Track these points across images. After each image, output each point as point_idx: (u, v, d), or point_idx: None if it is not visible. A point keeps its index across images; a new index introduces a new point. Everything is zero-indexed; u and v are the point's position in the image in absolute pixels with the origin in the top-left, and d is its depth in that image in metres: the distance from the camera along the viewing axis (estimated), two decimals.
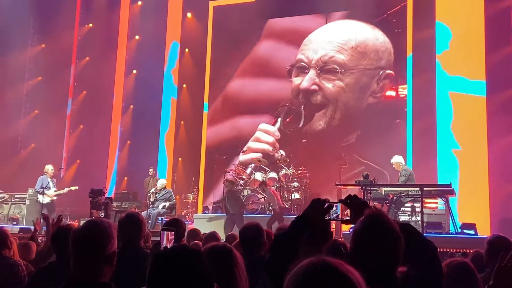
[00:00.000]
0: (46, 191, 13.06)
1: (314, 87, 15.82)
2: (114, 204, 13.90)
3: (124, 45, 18.56)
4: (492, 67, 13.64)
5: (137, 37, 18.36)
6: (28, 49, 18.23)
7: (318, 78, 15.81)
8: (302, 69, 16.13)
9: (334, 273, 1.27)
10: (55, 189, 13.29)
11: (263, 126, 16.13)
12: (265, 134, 15.77)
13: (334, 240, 3.40)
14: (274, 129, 15.90)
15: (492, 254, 3.89)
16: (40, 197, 13.16)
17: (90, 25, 18.71)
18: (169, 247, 2.51)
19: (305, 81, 15.94)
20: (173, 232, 2.60)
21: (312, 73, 15.91)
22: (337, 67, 15.66)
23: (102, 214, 11.42)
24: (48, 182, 13.21)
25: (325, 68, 15.82)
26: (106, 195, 12.19)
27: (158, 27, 17.68)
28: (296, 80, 16.15)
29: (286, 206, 13.05)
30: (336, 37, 15.94)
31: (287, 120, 15.94)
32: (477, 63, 13.86)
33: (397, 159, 11.69)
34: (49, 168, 13.44)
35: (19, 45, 17.56)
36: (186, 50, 17.98)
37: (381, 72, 15.42)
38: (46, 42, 18.20)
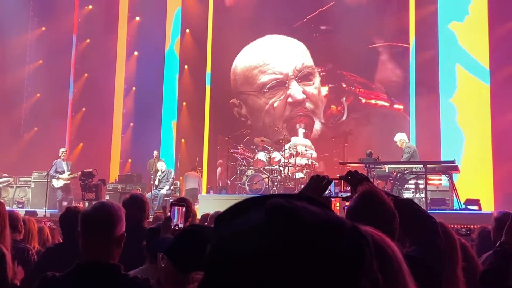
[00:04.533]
0: (60, 175, 13.05)
1: (303, 96, 16.19)
2: (119, 186, 13.98)
3: (124, 26, 18.44)
4: (495, 43, 13.52)
5: (137, 18, 18.23)
6: (28, 32, 18.14)
7: (302, 87, 16.22)
8: (281, 85, 16.33)
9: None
10: (69, 172, 13.24)
11: (300, 140, 15.75)
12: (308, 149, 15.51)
13: None
14: (308, 142, 15.66)
15: (500, 230, 3.89)
16: (54, 181, 13.14)
17: (90, 7, 18.57)
18: (180, 223, 2.51)
19: (297, 93, 16.20)
20: (183, 208, 2.59)
21: (295, 84, 16.22)
22: (315, 68, 16.18)
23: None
24: (62, 166, 13.19)
25: (301, 75, 16.24)
26: (98, 177, 12.23)
27: (158, 8, 17.54)
28: (276, 101, 16.34)
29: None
30: (289, 47, 16.49)
31: (327, 113, 16.00)
32: (481, 39, 13.75)
33: (400, 136, 11.64)
34: (61, 151, 13.47)
35: (19, 29, 17.47)
36: (187, 30, 17.86)
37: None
38: (46, 25, 18.09)
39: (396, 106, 15.34)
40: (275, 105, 16.46)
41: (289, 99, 16.25)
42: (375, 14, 15.28)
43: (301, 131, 16.04)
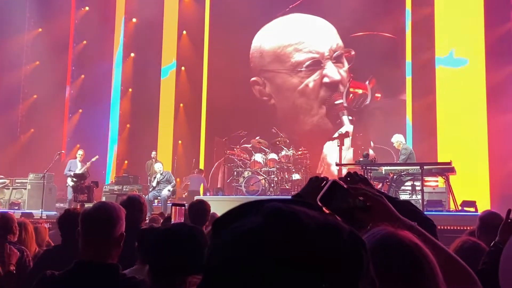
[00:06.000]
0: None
1: (339, 76, 15.96)
2: (115, 187, 13.97)
3: (121, 28, 18.43)
4: (491, 44, 13.57)
5: (134, 19, 18.22)
6: (25, 33, 18.09)
7: (336, 68, 16.03)
8: (317, 64, 16.13)
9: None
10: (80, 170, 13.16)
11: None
12: None
13: None
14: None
15: (483, 230, 3.90)
16: (68, 180, 13.06)
17: (87, 8, 18.56)
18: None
19: (334, 74, 15.95)
20: (183, 208, 2.61)
21: (330, 64, 15.99)
22: (350, 50, 15.88)
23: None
24: (77, 166, 13.14)
25: (335, 56, 16.01)
26: (94, 179, 12.22)
27: (154, 10, 17.51)
28: (311, 81, 16.15)
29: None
30: (322, 27, 16.22)
31: (350, 97, 15.92)
32: (477, 40, 13.80)
33: (397, 138, 11.68)
34: (79, 153, 13.46)
35: (16, 30, 17.42)
36: (184, 32, 17.86)
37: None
38: (43, 26, 18.06)
39: (377, 94, 15.41)
40: (310, 85, 16.20)
41: (325, 79, 15.95)
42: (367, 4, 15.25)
43: (346, 118, 15.77)
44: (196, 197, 12.83)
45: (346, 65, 15.95)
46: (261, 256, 0.70)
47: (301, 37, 16.41)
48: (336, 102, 15.90)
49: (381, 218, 1.38)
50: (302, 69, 16.24)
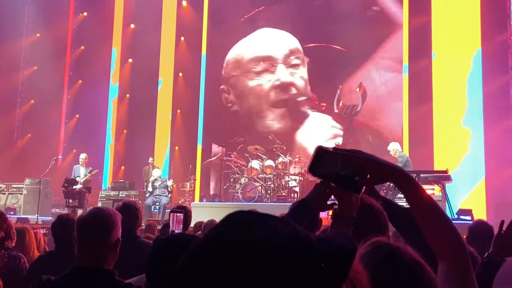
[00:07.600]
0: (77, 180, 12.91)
1: (291, 79, 16.19)
2: (111, 193, 13.95)
3: (119, 33, 18.46)
4: (488, 53, 13.62)
5: (132, 25, 18.25)
6: (23, 38, 18.10)
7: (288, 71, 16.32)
8: (269, 67, 16.46)
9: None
10: (84, 178, 13.09)
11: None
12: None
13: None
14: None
15: (471, 239, 3.92)
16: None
17: (85, 13, 18.59)
18: (177, 229, 2.52)
19: (286, 75, 16.22)
20: (181, 215, 2.61)
21: (282, 67, 16.30)
22: (301, 56, 16.18)
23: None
24: (79, 171, 13.04)
25: (288, 60, 16.31)
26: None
27: (153, 16, 17.57)
28: (266, 79, 16.44)
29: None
30: (282, 37, 16.53)
31: (340, 105, 15.94)
32: (474, 49, 13.85)
33: (393, 146, 11.69)
34: (81, 156, 13.38)
35: (14, 34, 17.44)
36: (182, 38, 17.89)
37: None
38: (41, 31, 18.07)
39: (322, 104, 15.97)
40: (265, 87, 16.46)
41: (277, 82, 16.27)
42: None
43: (310, 111, 16.02)
44: (192, 204, 12.90)
45: (304, 72, 16.18)
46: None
47: (259, 43, 16.80)
48: (299, 100, 16.11)
49: (374, 177, 1.31)
50: (256, 69, 16.57)
